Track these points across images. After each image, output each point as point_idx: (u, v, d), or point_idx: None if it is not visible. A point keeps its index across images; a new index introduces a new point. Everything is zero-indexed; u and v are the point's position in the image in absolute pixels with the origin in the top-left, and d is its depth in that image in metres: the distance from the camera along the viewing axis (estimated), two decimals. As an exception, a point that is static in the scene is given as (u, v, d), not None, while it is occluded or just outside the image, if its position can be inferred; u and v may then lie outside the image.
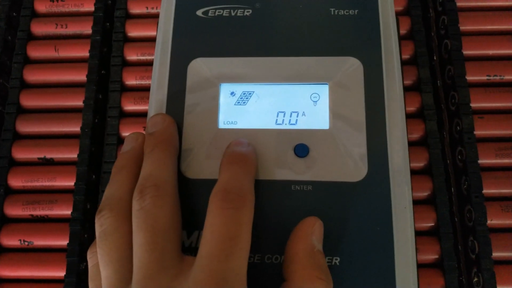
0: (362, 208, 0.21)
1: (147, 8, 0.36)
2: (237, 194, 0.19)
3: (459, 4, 0.33)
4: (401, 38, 0.33)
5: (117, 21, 0.35)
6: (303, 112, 0.23)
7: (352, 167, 0.22)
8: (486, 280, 0.27)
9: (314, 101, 0.23)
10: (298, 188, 0.21)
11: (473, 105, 0.31)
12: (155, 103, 0.23)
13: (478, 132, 0.30)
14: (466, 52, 0.32)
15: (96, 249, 0.20)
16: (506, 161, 0.30)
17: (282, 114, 0.23)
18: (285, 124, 0.23)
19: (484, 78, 0.32)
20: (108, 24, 0.36)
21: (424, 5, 0.35)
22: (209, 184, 0.21)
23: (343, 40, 0.23)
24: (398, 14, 0.34)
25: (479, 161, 0.29)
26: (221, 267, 0.17)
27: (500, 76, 0.32)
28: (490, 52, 0.32)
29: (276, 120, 0.23)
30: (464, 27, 0.33)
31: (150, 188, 0.19)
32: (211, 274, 0.17)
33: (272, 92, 0.23)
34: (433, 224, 0.29)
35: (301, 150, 0.22)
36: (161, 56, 0.24)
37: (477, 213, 0.28)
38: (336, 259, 0.20)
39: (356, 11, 0.24)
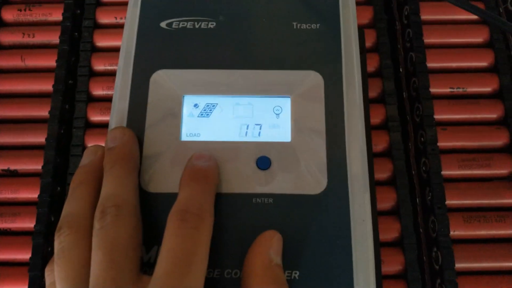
0: (322, 220, 0.21)
1: (115, 18, 0.35)
2: (195, 214, 0.19)
3: (423, 17, 0.34)
4: (367, 50, 0.33)
5: (85, 31, 0.35)
6: (266, 124, 0.23)
7: (312, 179, 0.22)
8: (449, 291, 0.27)
9: (276, 114, 0.23)
10: (259, 201, 0.21)
11: (436, 117, 0.31)
12: (116, 115, 0.23)
13: (442, 144, 0.31)
14: (430, 64, 0.33)
15: (54, 267, 0.20)
16: (468, 172, 0.31)
17: (245, 126, 0.23)
18: (248, 136, 0.23)
19: (447, 90, 0.32)
20: (76, 33, 0.35)
21: (391, 18, 0.35)
22: (170, 198, 0.21)
23: (305, 54, 0.24)
24: (364, 26, 0.34)
25: (443, 172, 0.30)
26: (176, 285, 0.17)
27: (463, 88, 0.32)
28: (454, 64, 0.33)
29: (239, 132, 0.23)
30: (428, 40, 0.33)
31: (111, 208, 0.19)
32: (166, 292, 0.17)
33: (235, 105, 0.23)
34: (397, 235, 0.30)
35: (263, 163, 0.22)
36: (123, 67, 0.24)
37: (440, 224, 0.28)
38: (296, 273, 0.20)
39: (318, 25, 0.24)
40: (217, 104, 0.23)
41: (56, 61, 0.34)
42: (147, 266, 0.20)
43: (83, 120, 0.33)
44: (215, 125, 0.23)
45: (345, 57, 0.24)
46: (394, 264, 0.29)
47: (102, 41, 0.35)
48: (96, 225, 0.19)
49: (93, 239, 0.19)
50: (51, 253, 0.30)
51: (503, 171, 0.31)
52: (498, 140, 0.31)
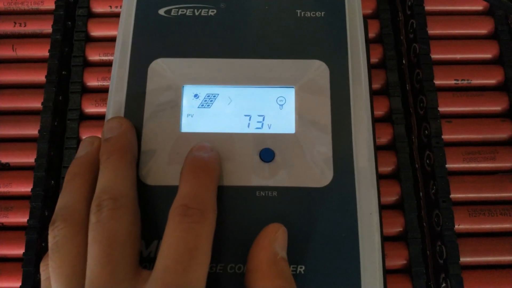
0: (327, 214, 0.20)
1: (110, 7, 0.34)
2: (198, 209, 0.18)
3: (427, 8, 0.33)
4: (370, 41, 0.33)
5: (78, 20, 0.34)
6: (269, 116, 0.22)
7: (317, 172, 0.21)
8: (454, 285, 0.27)
9: (280, 105, 0.22)
10: (263, 194, 0.21)
11: (441, 109, 0.31)
12: (113, 105, 0.22)
13: (446, 136, 0.30)
14: (435, 56, 0.32)
15: (48, 262, 0.19)
16: (473, 165, 0.30)
17: (248, 117, 0.22)
18: (251, 128, 0.22)
19: (452, 82, 0.32)
20: (69, 23, 0.34)
21: (393, 9, 0.35)
22: (170, 191, 0.20)
23: (310, 42, 0.23)
24: (367, 17, 0.33)
25: (447, 166, 0.29)
26: (177, 280, 0.17)
27: (468, 80, 0.32)
28: (458, 56, 0.33)
29: (242, 124, 0.22)
30: (432, 31, 0.33)
31: (107, 201, 0.19)
32: (166, 287, 0.16)
33: (237, 95, 0.23)
34: (401, 229, 0.29)
35: (267, 155, 0.21)
36: (120, 56, 0.23)
37: (444, 218, 0.28)
38: (301, 268, 0.20)
39: (323, 13, 0.24)
40: (218, 94, 0.23)
41: (49, 51, 0.33)
42: (147, 261, 0.20)
43: (78, 111, 0.32)
44: (216, 116, 0.22)
45: (350, 46, 0.23)
46: (398, 258, 0.28)
47: (96, 31, 0.34)
48: (92, 218, 0.18)
49: (89, 233, 0.18)
50: (45, 249, 0.29)
51: (508, 164, 0.30)
52: (503, 132, 0.31)
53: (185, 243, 0.17)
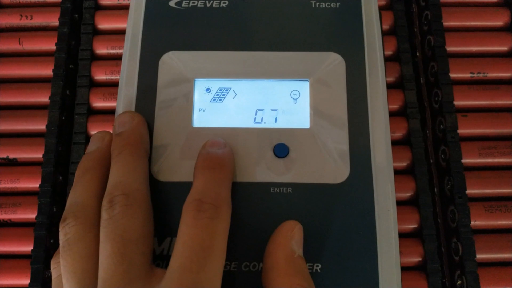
0: (344, 211, 0.20)
1: (118, -1, 0.34)
2: (212, 204, 0.18)
3: (442, -1, 0.33)
4: (383, 33, 0.32)
5: (86, 12, 0.33)
6: (283, 110, 0.22)
7: (333, 168, 0.21)
8: (470, 282, 0.26)
9: (294, 99, 0.22)
10: (278, 191, 0.20)
11: (456, 103, 0.30)
12: (124, 99, 0.22)
13: (462, 131, 0.30)
14: (450, 48, 0.31)
15: (59, 259, 0.19)
16: (489, 160, 0.30)
17: (261, 112, 0.22)
18: (264, 122, 0.22)
19: (467, 75, 0.31)
20: (76, 15, 0.34)
21: (407, 0, 0.34)
22: (182, 187, 0.20)
23: (325, 34, 0.22)
24: (380, 8, 0.33)
25: (463, 161, 0.29)
26: (192, 279, 0.16)
27: (484, 73, 0.31)
28: (474, 48, 0.32)
29: (255, 118, 0.22)
30: (447, 23, 0.32)
31: (119, 197, 0.18)
32: (181, 287, 0.16)
33: (250, 89, 0.22)
34: (416, 226, 0.29)
35: (281, 150, 0.21)
36: (130, 49, 0.23)
37: (460, 214, 0.27)
38: (317, 266, 0.19)
39: (338, 4, 0.23)
40: (230, 88, 0.22)
41: (56, 44, 0.32)
42: (160, 259, 0.20)
43: (85, 106, 0.31)
44: (228, 111, 0.22)
45: (367, 38, 0.22)
46: (413, 255, 0.28)
47: (104, 23, 0.33)
48: (104, 215, 0.18)
49: (101, 231, 0.18)
50: (53, 245, 0.29)
51: (524, 160, 0.30)
52: (519, 127, 0.30)
53: (200, 241, 0.17)
